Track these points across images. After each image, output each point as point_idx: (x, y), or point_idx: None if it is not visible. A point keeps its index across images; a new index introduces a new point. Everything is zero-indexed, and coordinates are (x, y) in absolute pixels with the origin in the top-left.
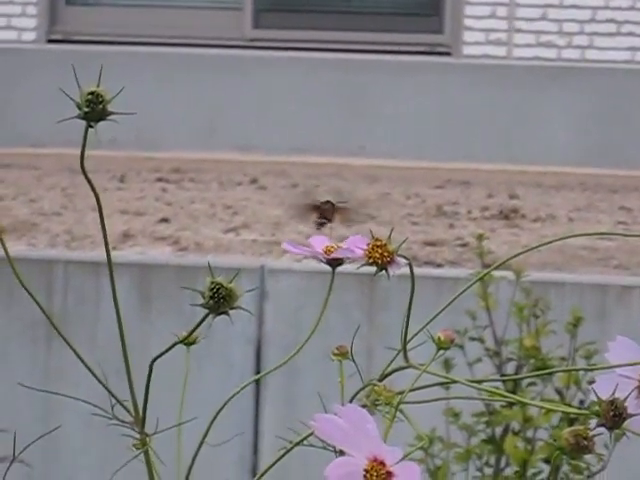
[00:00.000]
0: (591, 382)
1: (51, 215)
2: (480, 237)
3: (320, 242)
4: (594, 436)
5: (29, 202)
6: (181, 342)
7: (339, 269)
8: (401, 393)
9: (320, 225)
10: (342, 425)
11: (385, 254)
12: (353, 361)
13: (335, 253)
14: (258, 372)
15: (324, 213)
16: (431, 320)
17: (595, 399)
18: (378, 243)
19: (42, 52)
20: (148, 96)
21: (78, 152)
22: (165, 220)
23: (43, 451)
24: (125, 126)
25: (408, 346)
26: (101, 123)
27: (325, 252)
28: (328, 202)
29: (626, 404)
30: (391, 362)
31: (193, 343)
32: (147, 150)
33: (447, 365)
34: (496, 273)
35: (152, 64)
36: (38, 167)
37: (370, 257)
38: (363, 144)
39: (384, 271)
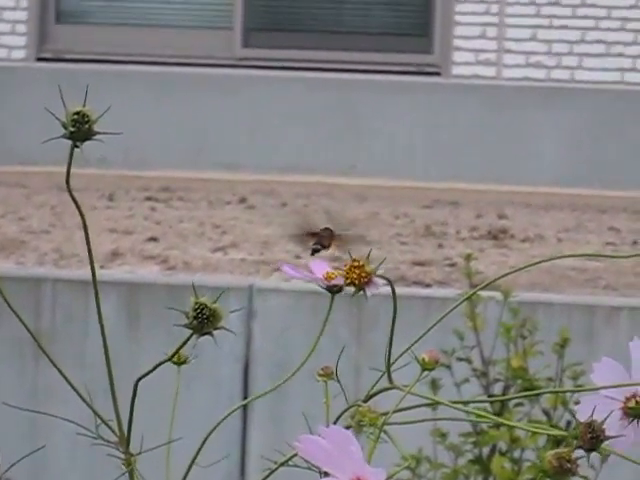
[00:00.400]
0: (578, 403)
1: (40, 233)
2: (468, 257)
3: (320, 267)
4: (577, 459)
5: (18, 220)
6: (167, 361)
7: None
8: (386, 414)
9: (315, 251)
10: (326, 446)
11: (362, 275)
12: (338, 382)
13: (336, 280)
14: (246, 391)
15: (321, 240)
16: (417, 340)
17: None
18: (356, 264)
19: (32, 70)
20: (137, 115)
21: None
22: (154, 239)
23: (30, 469)
24: (114, 145)
25: (395, 366)
26: (90, 142)
27: (326, 278)
28: (327, 229)
29: (604, 426)
30: (376, 383)
31: (183, 363)
32: (136, 169)
33: (434, 385)
34: (484, 293)
35: (142, 83)
36: (27, 185)
37: (347, 278)
38: (353, 163)
39: (362, 291)
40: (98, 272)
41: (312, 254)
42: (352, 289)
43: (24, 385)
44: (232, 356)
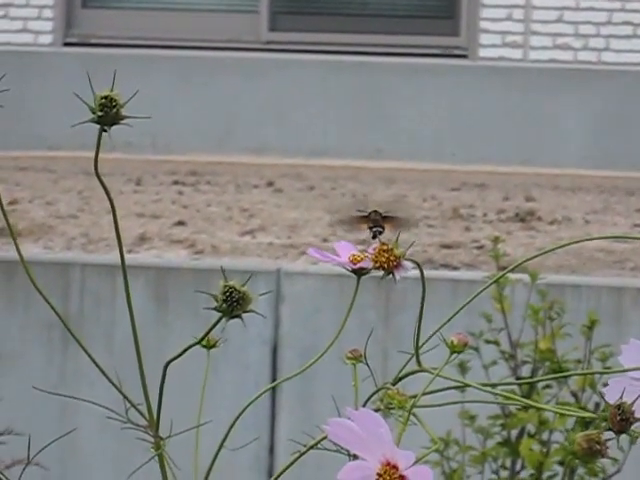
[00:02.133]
0: (606, 385)
1: (67, 218)
2: (496, 240)
3: (345, 249)
4: (607, 440)
5: (45, 205)
6: (196, 344)
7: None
8: (414, 397)
9: (377, 234)
10: (355, 429)
11: (391, 258)
12: (367, 364)
13: (362, 263)
14: (274, 374)
15: (376, 222)
16: (445, 323)
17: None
18: (384, 247)
19: (58, 55)
20: (164, 99)
21: (93, 155)
22: (181, 223)
23: (59, 453)
24: (141, 129)
25: (423, 349)
26: (116, 126)
27: (351, 261)
28: (376, 212)
29: (633, 408)
30: (405, 365)
31: (213, 347)
32: (163, 153)
33: (462, 368)
34: (512, 276)
35: (168, 67)
36: (54, 170)
37: (376, 262)
38: (379, 147)
39: (391, 275)
40: (126, 256)
41: (374, 237)
42: (380, 272)
43: (53, 369)
44: (260, 340)
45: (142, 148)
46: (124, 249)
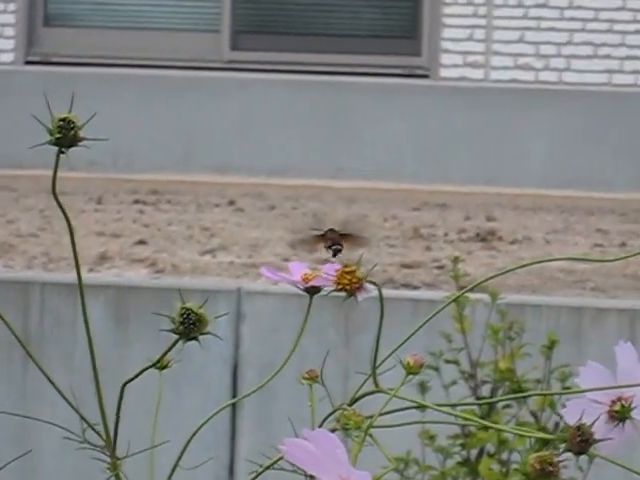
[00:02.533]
0: (565, 405)
1: (28, 237)
2: (456, 260)
3: (298, 269)
4: (560, 462)
5: (6, 223)
6: (152, 367)
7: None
8: (371, 417)
9: (337, 252)
10: (311, 449)
11: (354, 280)
12: (323, 385)
13: (313, 281)
14: (235, 393)
15: (334, 240)
16: (403, 343)
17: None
18: (347, 269)
19: (20, 73)
20: (126, 118)
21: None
22: (142, 242)
23: (19, 473)
24: (103, 148)
25: (382, 369)
26: (75, 147)
27: (303, 280)
28: (332, 230)
29: (593, 429)
30: (361, 386)
31: (165, 367)
32: (124, 172)
33: (422, 388)
34: (472, 295)
35: (130, 86)
36: (15, 188)
37: (339, 283)
38: (341, 166)
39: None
40: (86, 275)
41: (334, 255)
42: (337, 292)
43: (13, 388)
44: (221, 359)
45: (104, 167)
46: (84, 268)
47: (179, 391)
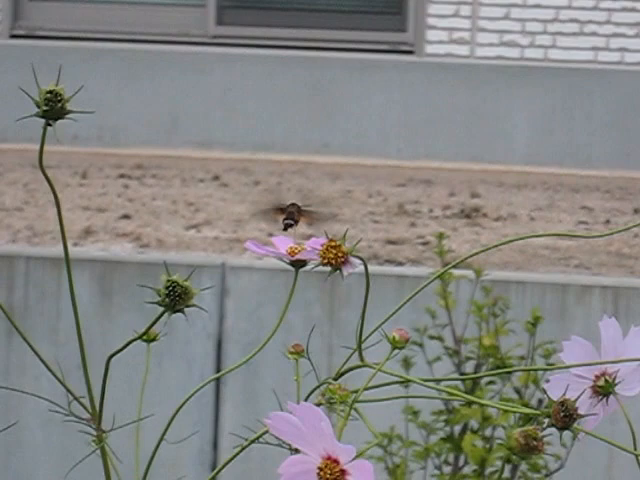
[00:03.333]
0: (549, 381)
1: (13, 210)
2: (440, 236)
3: (284, 243)
4: (544, 437)
5: None
6: (138, 339)
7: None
8: (356, 392)
9: (288, 226)
10: (296, 423)
11: (339, 254)
12: (309, 359)
13: (299, 255)
14: (219, 368)
15: (290, 215)
16: (388, 318)
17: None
18: (332, 244)
19: (5, 47)
20: (111, 92)
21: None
22: (127, 216)
23: (3, 446)
24: (87, 122)
25: (366, 344)
26: (62, 119)
27: (289, 253)
28: (294, 204)
29: (577, 405)
30: (346, 361)
31: (153, 340)
32: (109, 146)
33: (406, 363)
34: (456, 272)
35: (115, 60)
36: None
37: (324, 258)
38: (326, 142)
39: (338, 271)
40: (71, 249)
41: (285, 229)
42: (322, 266)
43: None
44: (205, 334)
45: (88, 141)
46: (69, 242)
47: (162, 366)
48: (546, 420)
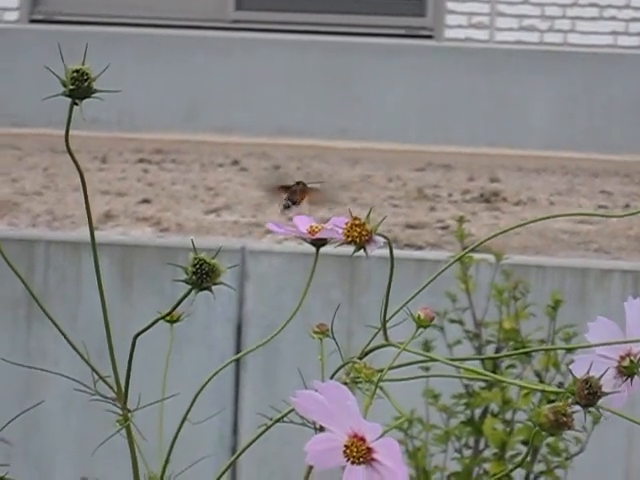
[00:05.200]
0: (570, 364)
1: (32, 195)
2: (460, 220)
3: (304, 222)
4: (573, 413)
5: (10, 182)
6: (163, 318)
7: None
8: (381, 371)
9: (285, 207)
10: (323, 401)
11: (363, 233)
12: (334, 339)
13: (320, 233)
14: (238, 352)
15: (291, 195)
16: (410, 299)
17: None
18: (357, 222)
19: (24, 32)
20: (130, 77)
21: (59, 132)
22: (146, 201)
23: (23, 431)
24: (107, 107)
25: (388, 325)
26: (83, 103)
27: (309, 232)
28: (299, 183)
29: (601, 382)
30: (371, 340)
31: (177, 321)
32: (129, 131)
33: (427, 346)
34: (476, 255)
35: (134, 45)
36: (19, 147)
37: (348, 236)
38: (345, 126)
39: (362, 250)
40: None
41: (282, 210)
42: (345, 249)
43: (17, 347)
44: (224, 318)
45: (108, 125)
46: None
47: (182, 350)
48: (570, 399)
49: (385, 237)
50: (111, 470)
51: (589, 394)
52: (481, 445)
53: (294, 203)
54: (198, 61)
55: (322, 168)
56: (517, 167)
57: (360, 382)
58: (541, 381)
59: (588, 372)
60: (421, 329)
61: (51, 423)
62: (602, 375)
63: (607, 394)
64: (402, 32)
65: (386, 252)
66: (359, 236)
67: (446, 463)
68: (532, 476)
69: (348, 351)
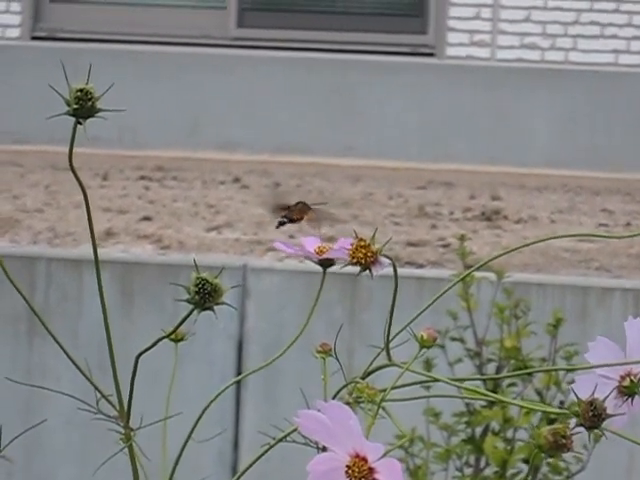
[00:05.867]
0: (571, 383)
1: (34, 212)
2: (462, 238)
3: (312, 243)
4: (573, 435)
5: (12, 199)
6: (167, 337)
7: (319, 268)
8: (383, 391)
9: (281, 224)
10: (325, 421)
11: (369, 254)
12: (336, 359)
13: (327, 254)
14: (239, 370)
15: (289, 213)
16: (414, 319)
17: (575, 399)
18: (362, 243)
19: (26, 49)
20: (131, 94)
21: (61, 149)
22: (147, 218)
23: (24, 448)
24: (108, 124)
25: (390, 345)
26: (86, 122)
27: (317, 253)
28: (300, 203)
29: (605, 404)
30: (373, 360)
31: (181, 340)
32: (130, 148)
33: (428, 365)
34: (477, 274)
35: (136, 62)
36: (21, 164)
37: (354, 257)
38: (347, 144)
39: (367, 271)
40: (92, 251)
41: (277, 227)
42: (347, 267)
43: (18, 364)
44: (225, 335)
45: (109, 143)
46: (90, 243)
47: (183, 366)
48: (571, 420)
49: (389, 258)
50: None
51: (594, 416)
52: (482, 463)
53: (292, 221)
54: (200, 78)
55: (323, 186)
56: (518, 185)
57: (362, 402)
58: (542, 399)
59: (593, 394)
60: (424, 349)
61: (52, 440)
62: (606, 397)
63: (611, 416)
64: (404, 50)
65: (387, 270)
66: (364, 257)
67: None
68: None
69: (349, 370)
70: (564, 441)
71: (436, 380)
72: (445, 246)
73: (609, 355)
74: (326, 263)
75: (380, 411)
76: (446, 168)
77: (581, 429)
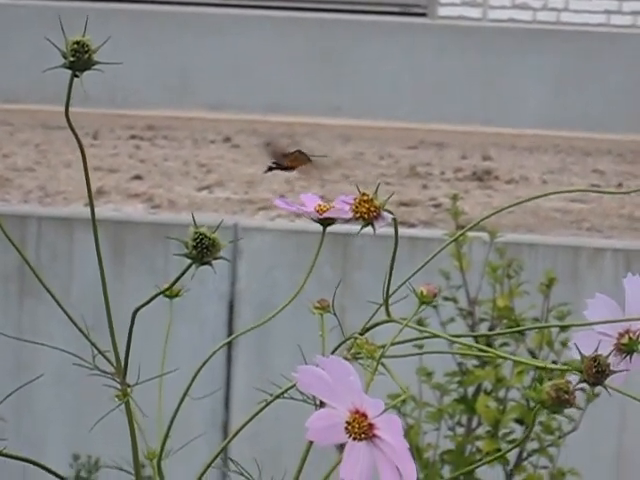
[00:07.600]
0: (564, 343)
1: (24, 171)
2: (454, 198)
3: (311, 200)
4: (575, 390)
5: (2, 157)
6: (163, 293)
7: (310, 227)
8: (383, 347)
9: (269, 169)
10: (324, 377)
11: (372, 209)
12: (335, 315)
13: (328, 212)
14: (231, 329)
15: (282, 160)
16: (409, 278)
17: (569, 357)
18: (365, 198)
19: (16, 7)
20: (122, 53)
21: (51, 108)
22: (138, 177)
23: (15, 406)
24: (98, 83)
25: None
26: (74, 80)
27: (317, 211)
28: (297, 151)
29: (608, 361)
30: (372, 317)
31: (176, 296)
32: (120, 107)
33: (421, 324)
34: (470, 234)
35: (126, 21)
36: (11, 122)
37: (357, 212)
38: (337, 104)
39: (370, 226)
40: (83, 210)
41: (265, 171)
42: (338, 226)
43: (9, 322)
44: (217, 295)
45: (99, 102)
46: (80, 202)
47: (174, 326)
48: (571, 377)
49: (392, 213)
50: (103, 447)
51: (597, 372)
52: (474, 423)
53: (283, 168)
54: (190, 38)
55: (314, 145)
56: (510, 145)
57: (361, 358)
58: (535, 359)
59: (596, 350)
60: (423, 305)
61: (43, 399)
62: (609, 354)
63: (614, 372)
64: (395, 10)
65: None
66: (367, 212)
67: (439, 441)
68: (525, 454)
69: (342, 327)
70: (567, 396)
71: (435, 336)
72: (436, 206)
73: (607, 312)
74: (326, 222)
75: (379, 367)
76: (437, 128)
77: (583, 385)
